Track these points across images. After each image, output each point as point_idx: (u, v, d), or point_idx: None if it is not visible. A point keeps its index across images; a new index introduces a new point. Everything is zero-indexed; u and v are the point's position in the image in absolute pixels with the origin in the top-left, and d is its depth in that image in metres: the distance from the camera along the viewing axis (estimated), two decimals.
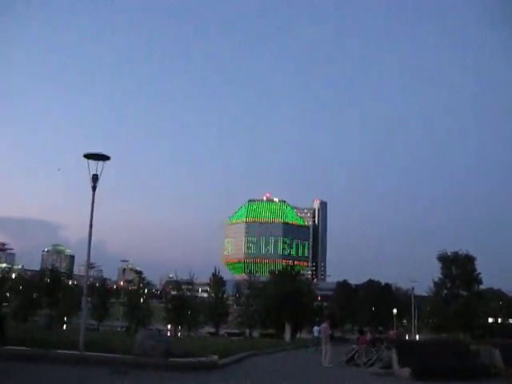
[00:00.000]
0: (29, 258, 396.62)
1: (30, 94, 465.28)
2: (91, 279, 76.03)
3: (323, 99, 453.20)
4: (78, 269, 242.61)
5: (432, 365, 16.08)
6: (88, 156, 17.50)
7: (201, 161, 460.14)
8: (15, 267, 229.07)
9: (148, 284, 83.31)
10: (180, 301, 73.42)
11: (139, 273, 76.49)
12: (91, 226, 17.57)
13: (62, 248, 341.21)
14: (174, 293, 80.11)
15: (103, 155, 17.57)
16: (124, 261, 73.15)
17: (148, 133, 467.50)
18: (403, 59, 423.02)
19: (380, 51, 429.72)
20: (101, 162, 17.61)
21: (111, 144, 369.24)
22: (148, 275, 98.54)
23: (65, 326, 69.62)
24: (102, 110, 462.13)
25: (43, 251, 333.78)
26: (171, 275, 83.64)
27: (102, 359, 15.76)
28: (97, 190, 17.69)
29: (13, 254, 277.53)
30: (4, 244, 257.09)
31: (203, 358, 17.45)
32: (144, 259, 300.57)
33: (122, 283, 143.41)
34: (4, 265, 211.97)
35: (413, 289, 76.21)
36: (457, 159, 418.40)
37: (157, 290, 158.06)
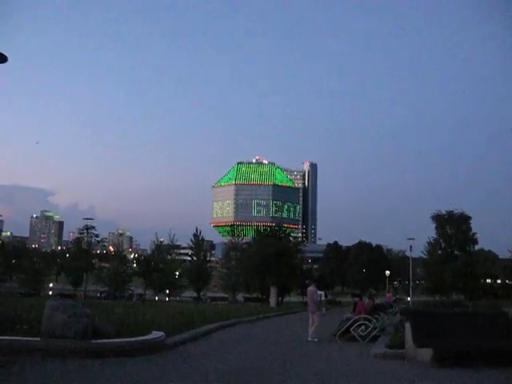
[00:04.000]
0: (17, 225, 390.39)
1: None
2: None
3: (314, 60, 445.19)
4: (68, 235, 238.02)
5: (463, 345, 11.10)
6: None
7: (192, 123, 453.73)
8: (3, 234, 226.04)
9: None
10: (147, 263, 69.58)
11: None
12: None
13: (51, 214, 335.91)
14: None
15: None
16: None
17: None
18: None
19: None
20: None
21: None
22: (140, 241, 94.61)
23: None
24: None
25: (32, 217, 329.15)
26: (162, 239, 79.39)
27: None
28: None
29: (1, 220, 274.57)
30: None
31: (142, 337, 12.39)
32: (136, 225, 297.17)
33: (111, 248, 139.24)
34: None
35: (410, 248, 72.03)
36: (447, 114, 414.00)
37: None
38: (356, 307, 19.32)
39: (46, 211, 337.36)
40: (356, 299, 20.37)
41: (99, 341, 11.44)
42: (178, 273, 73.22)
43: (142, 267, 71.79)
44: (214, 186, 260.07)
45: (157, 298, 68.55)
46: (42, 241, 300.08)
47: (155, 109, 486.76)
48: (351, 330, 17.45)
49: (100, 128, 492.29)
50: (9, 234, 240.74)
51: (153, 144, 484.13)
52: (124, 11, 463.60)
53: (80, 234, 68.35)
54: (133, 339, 12.04)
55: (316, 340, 17.31)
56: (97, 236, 64.89)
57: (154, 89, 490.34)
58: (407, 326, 12.25)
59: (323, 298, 20.11)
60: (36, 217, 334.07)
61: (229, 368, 10.95)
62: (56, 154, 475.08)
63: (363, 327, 17.29)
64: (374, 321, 17.72)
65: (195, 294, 74.05)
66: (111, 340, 11.66)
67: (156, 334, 13.02)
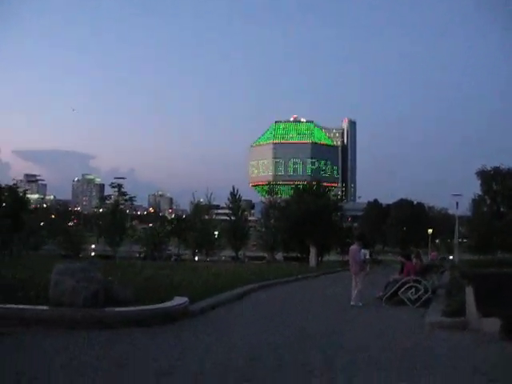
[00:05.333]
0: (60, 188, 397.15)
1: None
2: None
3: (353, 20, 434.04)
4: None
5: None
6: None
7: (229, 83, 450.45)
8: (47, 197, 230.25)
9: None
10: (184, 223, 68.67)
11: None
12: None
13: (92, 177, 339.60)
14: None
15: None
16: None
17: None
18: None
19: None
20: None
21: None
22: (180, 202, 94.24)
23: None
24: None
25: (73, 181, 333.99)
26: (201, 200, 78.57)
27: None
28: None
29: (44, 184, 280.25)
30: (35, 175, 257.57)
31: (159, 305, 10.93)
32: (177, 187, 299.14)
33: (151, 210, 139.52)
34: (36, 195, 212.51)
35: (457, 205, 69.12)
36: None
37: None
38: (404, 267, 17.49)
39: (87, 174, 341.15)
40: (403, 259, 18.57)
41: (109, 309, 10.05)
42: (216, 232, 72.36)
43: (179, 227, 71.15)
44: (252, 146, 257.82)
45: (196, 258, 67.92)
46: (84, 203, 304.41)
47: (191, 71, 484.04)
48: (399, 293, 15.72)
49: (137, 92, 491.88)
50: (52, 197, 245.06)
51: (190, 105, 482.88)
52: None
53: (111, 195, 67.40)
54: (148, 307, 10.60)
55: (360, 304, 15.65)
56: (124, 194, 63.59)
57: (190, 50, 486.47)
58: (469, 291, 10.48)
59: (367, 257, 18.09)
60: (77, 180, 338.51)
61: (259, 339, 9.44)
62: (96, 118, 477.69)
63: (413, 290, 15.52)
64: (425, 283, 15.93)
65: (234, 254, 73.19)
66: (123, 308, 10.24)
67: (178, 300, 11.56)
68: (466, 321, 10.41)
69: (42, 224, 79.02)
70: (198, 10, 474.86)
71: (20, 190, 51.14)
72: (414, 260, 18.29)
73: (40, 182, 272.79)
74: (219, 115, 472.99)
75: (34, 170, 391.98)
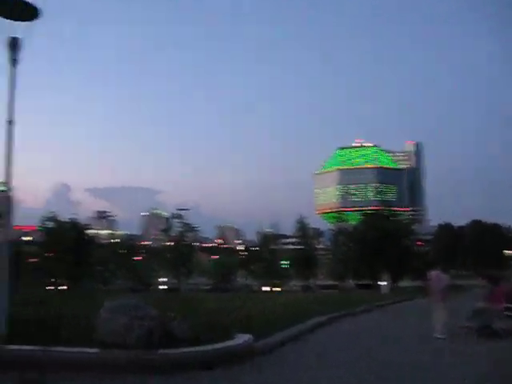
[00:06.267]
0: (129, 223, 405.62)
1: None
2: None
3: (415, 41, 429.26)
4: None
5: None
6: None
7: (291, 112, 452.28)
8: (117, 233, 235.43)
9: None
10: (252, 254, 67.80)
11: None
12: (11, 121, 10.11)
13: (159, 212, 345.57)
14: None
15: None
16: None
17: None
18: None
19: None
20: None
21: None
22: (247, 232, 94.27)
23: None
24: None
25: (141, 215, 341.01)
26: (268, 230, 78.20)
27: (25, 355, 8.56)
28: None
29: (114, 220, 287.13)
30: (105, 212, 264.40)
31: (220, 344, 9.73)
32: (242, 218, 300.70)
33: (218, 242, 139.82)
34: (107, 231, 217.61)
35: None
36: None
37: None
38: (492, 293, 15.64)
39: (154, 209, 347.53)
40: (490, 283, 16.66)
41: (163, 351, 8.93)
42: (285, 262, 71.25)
43: (246, 257, 70.58)
44: (316, 173, 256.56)
45: (265, 289, 66.75)
46: (153, 237, 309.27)
47: (257, 100, 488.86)
48: (491, 323, 13.95)
49: (199, 129, 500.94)
50: (122, 232, 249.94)
51: (253, 137, 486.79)
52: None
53: (171, 226, 67.20)
54: (207, 347, 9.40)
55: (444, 337, 13.95)
56: (187, 224, 63.39)
57: (254, 79, 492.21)
58: None
59: (448, 283, 16.30)
60: (145, 215, 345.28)
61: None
62: (162, 156, 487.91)
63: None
64: None
65: (303, 283, 71.65)
66: (178, 350, 9.08)
67: (241, 338, 10.35)
68: None
69: (111, 258, 79.94)
70: (273, 44, 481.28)
71: (82, 225, 51.63)
72: (504, 285, 16.38)
73: (110, 217, 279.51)
74: (282, 143, 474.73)
75: (104, 206, 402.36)
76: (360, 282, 65.63)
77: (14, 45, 10.08)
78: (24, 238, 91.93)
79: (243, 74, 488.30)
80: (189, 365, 8.72)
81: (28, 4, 9.96)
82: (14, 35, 10.10)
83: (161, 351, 8.91)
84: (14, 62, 10.12)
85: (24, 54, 10.19)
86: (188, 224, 63.48)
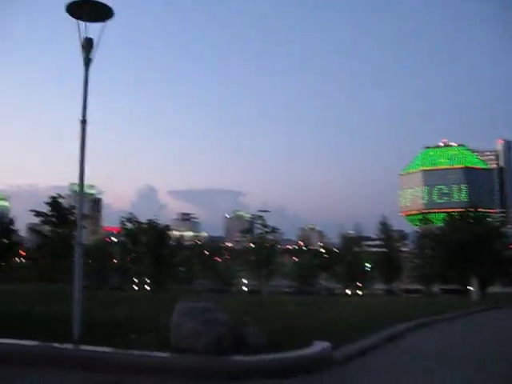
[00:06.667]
0: (213, 226, 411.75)
1: None
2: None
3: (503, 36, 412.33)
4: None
5: None
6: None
7: (376, 113, 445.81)
8: (201, 234, 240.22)
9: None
10: (335, 256, 66.74)
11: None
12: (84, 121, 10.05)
13: (242, 214, 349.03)
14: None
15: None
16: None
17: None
18: None
19: None
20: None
21: None
22: (330, 234, 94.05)
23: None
24: None
25: (225, 218, 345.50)
26: (350, 232, 77.55)
27: (103, 358, 8.41)
28: None
29: (198, 222, 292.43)
30: (189, 214, 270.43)
31: (295, 352, 9.17)
32: (325, 219, 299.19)
33: (300, 244, 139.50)
34: (191, 233, 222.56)
35: None
36: None
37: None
38: None
39: (237, 211, 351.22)
40: None
41: (233, 358, 8.50)
42: (368, 264, 70.02)
43: (328, 260, 69.83)
44: (401, 174, 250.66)
45: (347, 292, 65.77)
46: (236, 239, 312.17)
47: (337, 98, 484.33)
48: None
49: (283, 131, 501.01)
50: (206, 234, 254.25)
51: (334, 136, 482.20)
52: None
53: (251, 227, 67.50)
54: (281, 355, 8.79)
55: None
56: (268, 226, 63.30)
57: (336, 76, 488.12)
58: None
59: None
60: (229, 217, 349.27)
61: None
62: (244, 158, 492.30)
63: None
64: None
65: (386, 287, 69.99)
66: (249, 357, 8.58)
67: (318, 346, 9.74)
68: None
69: (193, 259, 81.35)
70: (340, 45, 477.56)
71: (162, 226, 52.60)
72: None
73: (194, 219, 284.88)
74: (365, 144, 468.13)
75: (188, 208, 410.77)
76: (446, 287, 63.28)
77: (88, 45, 10.01)
78: (112, 239, 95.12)
79: (324, 73, 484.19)
80: (260, 373, 8.22)
81: (102, 5, 9.86)
82: (87, 35, 10.04)
83: (231, 358, 8.51)
84: (88, 61, 10.06)
85: (100, 53, 10.16)
86: (268, 226, 63.46)
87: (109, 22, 10.07)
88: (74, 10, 9.73)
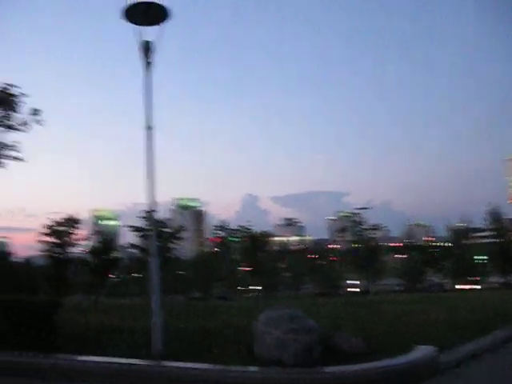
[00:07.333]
0: (317, 228, 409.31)
1: None
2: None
3: None
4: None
5: None
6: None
7: (478, 91, 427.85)
8: (305, 238, 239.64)
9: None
10: (442, 250, 63.72)
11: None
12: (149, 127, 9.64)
13: (346, 214, 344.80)
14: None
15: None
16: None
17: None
18: None
19: None
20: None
21: None
22: (436, 228, 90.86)
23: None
24: None
25: (329, 219, 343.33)
26: (458, 224, 74.30)
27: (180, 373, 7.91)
28: None
29: (302, 226, 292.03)
30: (292, 219, 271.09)
31: (397, 359, 8.22)
32: (431, 213, 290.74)
33: (406, 240, 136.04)
34: (296, 237, 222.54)
35: None
36: None
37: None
38: None
39: (340, 211, 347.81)
40: None
41: (324, 368, 7.70)
42: (480, 257, 66.55)
43: (438, 255, 66.94)
44: (507, 159, 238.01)
45: (458, 287, 62.73)
46: (339, 240, 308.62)
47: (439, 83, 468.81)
48: None
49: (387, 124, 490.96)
50: (311, 237, 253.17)
51: (438, 126, 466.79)
52: None
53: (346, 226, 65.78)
54: (378, 363, 7.90)
55: None
56: (368, 224, 61.35)
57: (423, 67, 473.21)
58: None
59: None
60: (332, 219, 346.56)
61: None
62: (346, 158, 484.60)
63: None
64: None
65: (504, 280, 65.98)
66: (342, 367, 7.73)
67: (422, 351, 8.72)
68: None
69: (299, 264, 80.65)
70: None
71: (258, 233, 52.38)
72: None
73: (298, 224, 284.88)
74: (464, 130, 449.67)
75: (291, 213, 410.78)
76: None
77: (147, 48, 9.68)
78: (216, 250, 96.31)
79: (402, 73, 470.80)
80: None
81: (160, 7, 9.47)
82: (146, 39, 9.69)
83: (322, 369, 7.73)
84: (148, 65, 9.72)
85: (160, 59, 9.81)
86: (365, 223, 61.66)
87: (171, 28, 9.69)
88: (129, 14, 9.43)
